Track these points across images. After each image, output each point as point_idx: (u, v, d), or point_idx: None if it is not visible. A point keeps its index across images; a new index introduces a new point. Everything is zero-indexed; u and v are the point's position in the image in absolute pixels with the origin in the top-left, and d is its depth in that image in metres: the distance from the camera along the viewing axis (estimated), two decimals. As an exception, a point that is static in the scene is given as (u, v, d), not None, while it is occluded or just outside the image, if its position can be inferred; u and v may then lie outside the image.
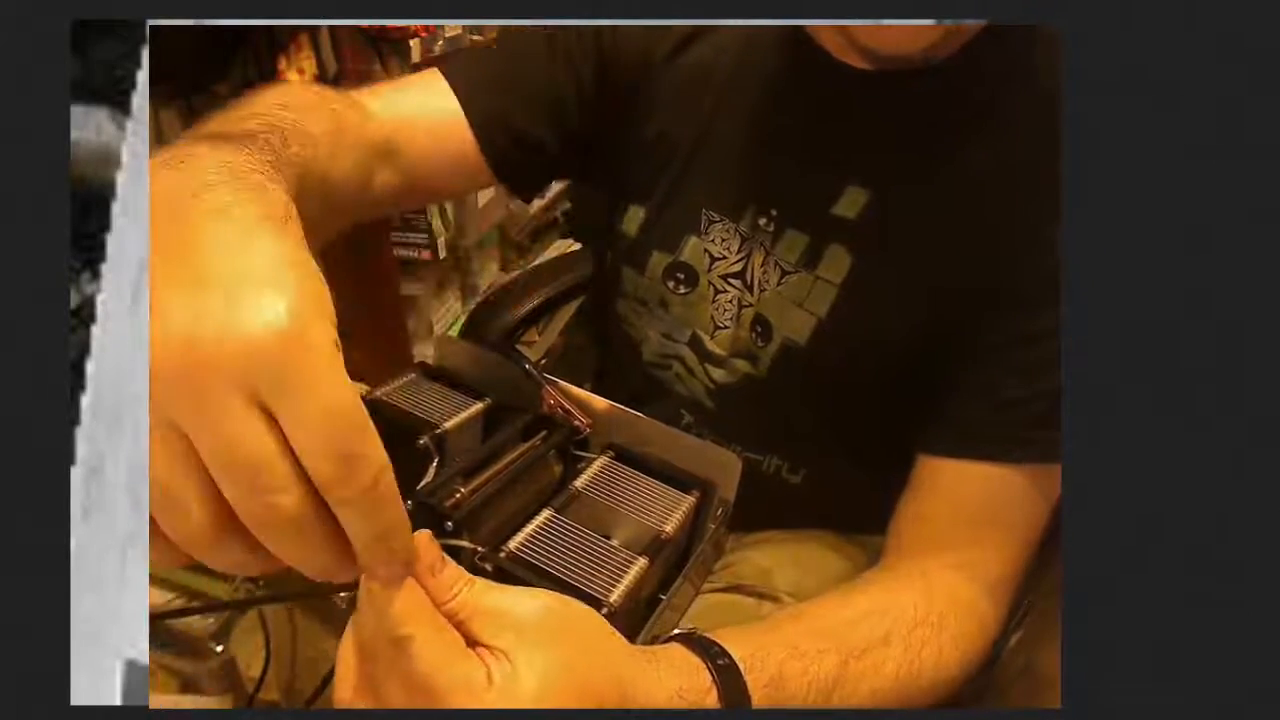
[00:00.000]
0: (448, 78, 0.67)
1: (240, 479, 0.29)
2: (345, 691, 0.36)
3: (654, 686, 0.41)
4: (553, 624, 0.37)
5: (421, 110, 0.66)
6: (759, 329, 0.67)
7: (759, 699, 0.46)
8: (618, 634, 0.41)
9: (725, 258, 0.67)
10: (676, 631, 0.48)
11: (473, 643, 0.36)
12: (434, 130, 0.66)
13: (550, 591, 0.39)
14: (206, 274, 0.29)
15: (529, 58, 0.68)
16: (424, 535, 0.36)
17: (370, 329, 1.53)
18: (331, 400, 0.28)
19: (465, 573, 0.37)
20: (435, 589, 0.36)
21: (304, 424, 0.28)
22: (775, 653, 0.48)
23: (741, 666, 0.46)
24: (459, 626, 0.36)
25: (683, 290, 0.69)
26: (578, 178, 0.80)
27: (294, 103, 0.49)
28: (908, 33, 0.52)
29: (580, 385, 0.68)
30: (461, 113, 0.66)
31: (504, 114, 0.67)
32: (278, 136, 0.42)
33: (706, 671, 0.44)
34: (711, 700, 0.44)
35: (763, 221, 0.65)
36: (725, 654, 0.46)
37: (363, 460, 0.29)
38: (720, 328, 0.69)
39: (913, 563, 0.60)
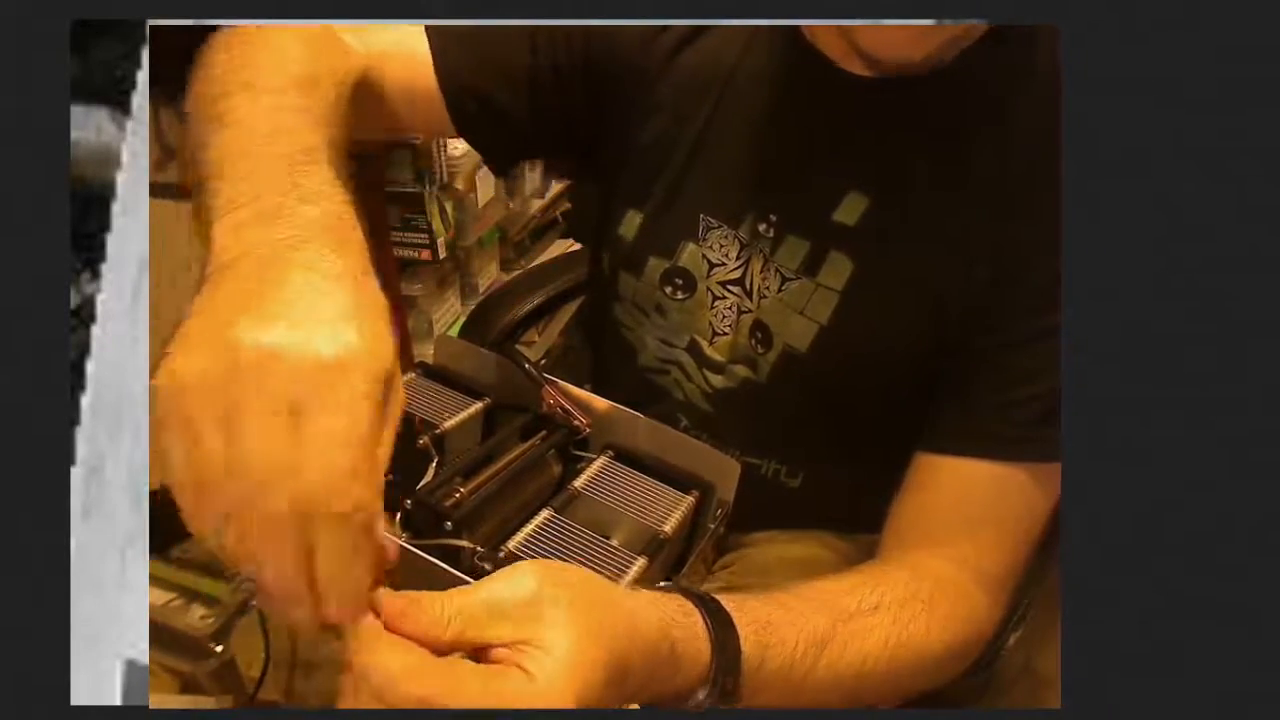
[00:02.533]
0: (427, 31, 0.67)
1: (246, 475, 0.32)
2: None
3: (645, 613, 0.41)
4: (546, 588, 0.37)
5: (396, 48, 0.65)
6: (759, 335, 0.67)
7: (747, 635, 0.46)
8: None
9: (724, 264, 0.67)
10: (662, 584, 0.48)
11: (488, 649, 0.36)
12: (405, 70, 0.65)
13: (528, 561, 0.39)
14: (290, 310, 0.34)
15: (511, 41, 0.67)
16: (385, 592, 0.36)
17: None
18: (348, 428, 0.33)
19: (439, 595, 0.37)
20: (426, 632, 0.35)
21: (318, 438, 0.32)
22: (762, 605, 0.49)
23: (727, 609, 0.46)
24: (472, 646, 0.36)
25: (680, 296, 0.69)
26: (575, 174, 0.80)
27: (308, 89, 0.49)
28: (910, 39, 0.52)
29: (579, 386, 0.68)
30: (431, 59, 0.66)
31: (473, 71, 0.66)
32: (326, 151, 0.45)
33: (691, 604, 0.45)
34: (700, 631, 0.44)
35: (762, 228, 0.65)
36: (710, 597, 0.46)
37: (351, 486, 0.33)
38: (719, 334, 0.69)
39: (907, 553, 0.60)
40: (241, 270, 0.36)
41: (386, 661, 0.34)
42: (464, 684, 0.34)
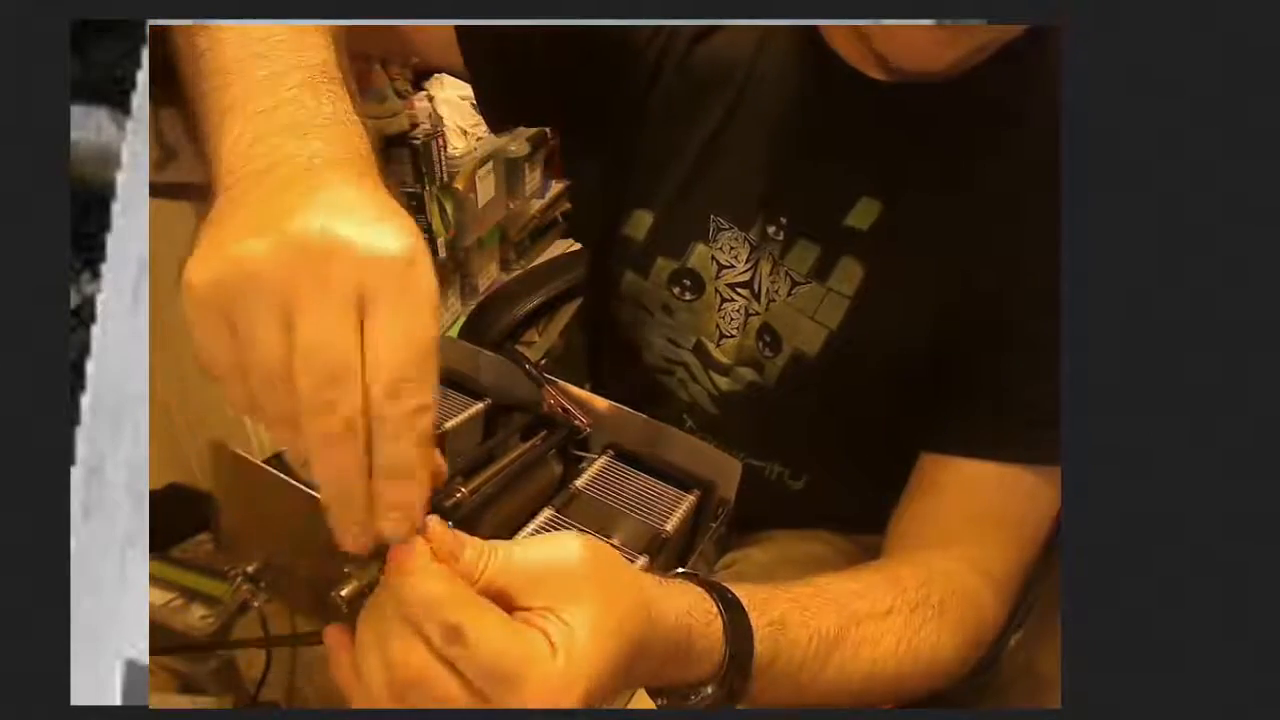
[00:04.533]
0: None
1: (318, 369, 0.31)
2: (379, 702, 0.35)
3: (666, 605, 0.41)
4: (584, 566, 0.37)
5: None
6: (767, 339, 0.66)
7: (762, 636, 0.46)
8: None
9: (733, 266, 0.67)
10: (681, 570, 0.49)
11: (512, 608, 0.36)
12: None
13: (564, 532, 0.39)
14: (349, 207, 0.32)
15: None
16: (436, 521, 0.36)
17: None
18: (416, 327, 0.32)
19: (484, 544, 0.37)
20: (462, 570, 0.36)
21: (386, 335, 0.31)
22: (780, 602, 0.49)
23: (745, 604, 0.46)
24: (496, 599, 0.36)
25: (688, 297, 0.69)
26: (576, 173, 0.79)
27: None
28: (930, 49, 0.52)
29: (580, 386, 0.68)
30: None
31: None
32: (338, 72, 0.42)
33: (712, 600, 0.45)
34: (717, 627, 0.44)
35: (772, 230, 0.64)
36: (730, 592, 0.46)
37: (415, 388, 0.32)
38: (726, 336, 0.69)
39: (916, 554, 0.60)
40: (281, 175, 0.34)
41: (429, 584, 0.34)
42: (493, 629, 0.34)
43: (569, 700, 0.34)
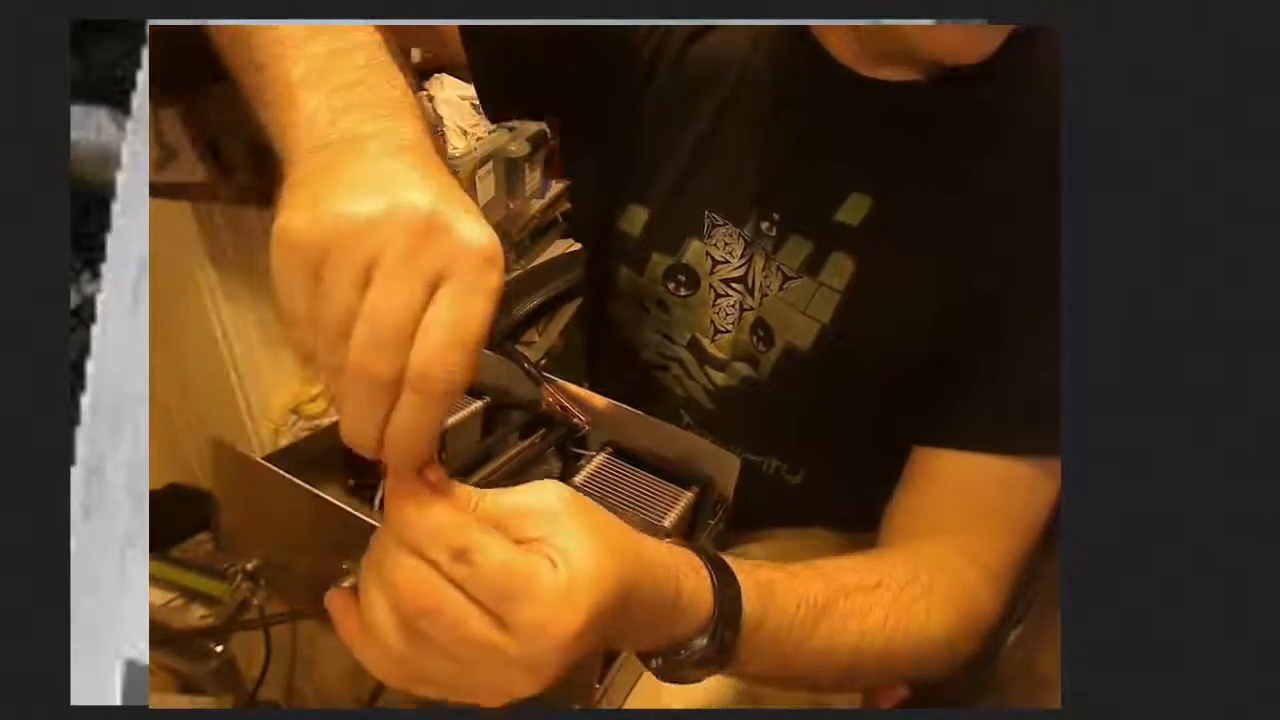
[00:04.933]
0: None
1: (373, 329, 0.33)
2: (392, 648, 0.36)
3: (655, 554, 0.42)
4: (570, 506, 0.38)
5: None
6: (760, 334, 0.67)
7: (750, 596, 0.46)
8: None
9: (728, 261, 0.67)
10: (669, 538, 0.49)
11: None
12: None
13: (543, 480, 0.40)
14: (444, 187, 0.35)
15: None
16: (429, 460, 0.37)
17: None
18: (473, 317, 0.34)
19: (471, 488, 0.38)
20: (453, 504, 0.36)
21: (444, 314, 0.33)
22: (767, 568, 0.49)
23: (732, 566, 0.46)
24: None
25: (683, 293, 0.69)
26: (574, 170, 0.79)
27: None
28: (970, 39, 0.52)
29: (579, 385, 0.68)
30: None
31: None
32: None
33: (701, 560, 0.45)
34: (706, 584, 0.44)
35: (765, 226, 0.65)
36: (718, 555, 0.47)
37: (450, 372, 0.34)
38: (721, 331, 0.69)
39: (909, 543, 0.60)
40: (371, 150, 0.36)
41: (429, 513, 0.35)
42: (497, 548, 0.35)
43: (577, 618, 0.35)
